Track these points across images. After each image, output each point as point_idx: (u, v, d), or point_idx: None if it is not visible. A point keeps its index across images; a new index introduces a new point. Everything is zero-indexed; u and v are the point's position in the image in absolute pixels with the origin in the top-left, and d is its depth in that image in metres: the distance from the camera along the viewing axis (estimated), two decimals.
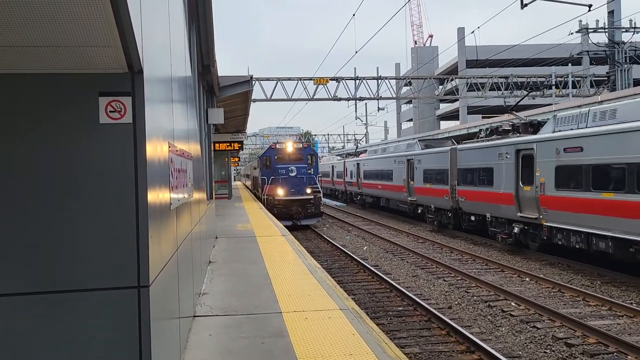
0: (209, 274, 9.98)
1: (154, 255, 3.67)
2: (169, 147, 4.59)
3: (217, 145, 28.16)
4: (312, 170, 28.79)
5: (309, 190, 27.81)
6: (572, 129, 15.64)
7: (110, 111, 3.50)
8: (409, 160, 29.37)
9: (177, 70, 5.72)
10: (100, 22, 2.88)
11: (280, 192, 27.54)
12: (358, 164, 41.42)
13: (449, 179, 23.37)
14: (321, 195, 29.03)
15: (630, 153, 12.89)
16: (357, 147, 59.73)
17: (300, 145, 29.80)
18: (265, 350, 5.66)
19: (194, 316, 7.00)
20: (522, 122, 20.08)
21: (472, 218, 21.70)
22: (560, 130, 16.19)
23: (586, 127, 14.99)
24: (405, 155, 30.26)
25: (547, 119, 18.39)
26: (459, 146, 23.40)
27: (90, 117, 3.45)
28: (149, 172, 3.58)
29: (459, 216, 23.18)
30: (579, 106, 24.03)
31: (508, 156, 18.35)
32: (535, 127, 18.90)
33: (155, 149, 3.91)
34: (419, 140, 30.97)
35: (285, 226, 18.44)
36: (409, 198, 29.27)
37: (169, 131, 4.74)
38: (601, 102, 25.98)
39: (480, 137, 22.27)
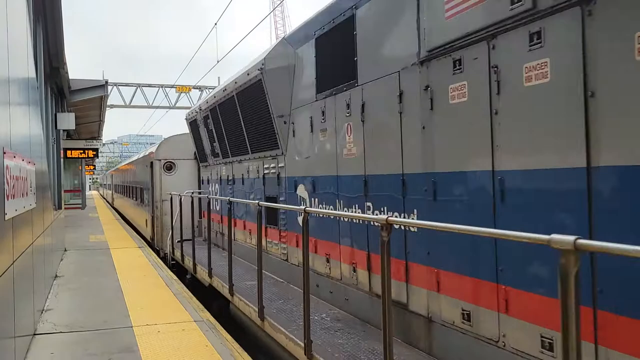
0: (55, 288, 9.35)
1: None
2: (4, 152, 4.28)
3: (69, 152, 26.46)
4: None
5: None
6: None
7: None
8: None
9: (16, 71, 5.34)
10: None
11: None
12: None
13: None
14: None
15: None
16: None
17: None
18: None
19: (34, 334, 6.52)
20: None
21: None
22: None
23: None
24: None
25: None
26: None
27: None
28: None
29: None
30: None
31: None
32: None
33: None
34: None
35: None
36: None
37: (4, 135, 4.42)
38: None
39: None
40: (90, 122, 27.21)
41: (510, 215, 3.77)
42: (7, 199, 4.39)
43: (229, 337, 6.45)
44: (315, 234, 6.88)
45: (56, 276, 10.46)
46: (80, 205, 34.21)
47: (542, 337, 3.54)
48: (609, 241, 1.92)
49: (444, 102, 4.41)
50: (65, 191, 22.12)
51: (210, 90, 37.63)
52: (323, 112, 6.71)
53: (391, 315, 3.51)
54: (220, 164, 11.84)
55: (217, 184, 12.31)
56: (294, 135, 7.81)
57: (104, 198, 57.79)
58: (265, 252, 8.35)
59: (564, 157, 3.33)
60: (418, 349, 4.95)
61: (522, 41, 3.61)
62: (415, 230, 4.94)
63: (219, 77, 45.37)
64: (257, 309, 6.54)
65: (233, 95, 9.62)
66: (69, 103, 18.54)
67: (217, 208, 12.10)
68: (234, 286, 7.90)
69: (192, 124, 13.46)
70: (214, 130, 11.39)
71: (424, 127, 4.71)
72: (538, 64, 3.50)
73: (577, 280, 1.99)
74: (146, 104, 36.21)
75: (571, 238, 1.98)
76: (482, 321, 4.11)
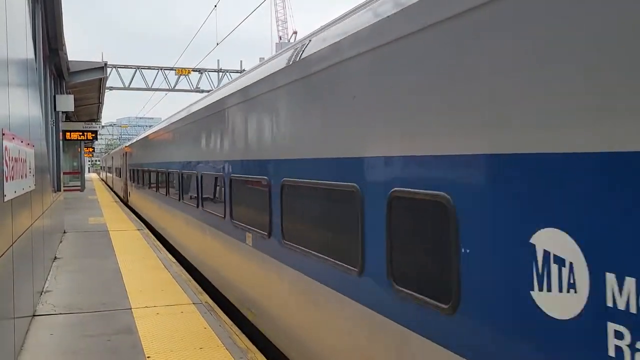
0: (54, 270, 9.39)
1: None
2: (3, 134, 4.28)
3: (68, 134, 26.41)
4: None
5: None
6: None
7: None
8: None
9: (15, 52, 5.32)
10: None
11: None
12: None
13: None
14: None
15: None
16: None
17: None
18: (111, 347, 5.47)
19: (34, 315, 6.57)
20: None
21: None
22: None
23: None
24: None
25: None
26: None
27: None
28: None
29: None
30: None
31: None
32: None
33: None
34: None
35: None
36: None
37: (3, 117, 4.41)
38: None
39: None
40: (89, 104, 27.15)
41: None
42: (6, 181, 4.39)
43: (227, 319, 6.49)
44: None
45: (55, 258, 10.49)
46: (79, 187, 34.25)
47: None
48: None
49: None
50: (64, 173, 22.11)
51: (210, 73, 37.32)
52: None
53: None
54: None
55: None
56: None
57: (107, 185, 46.46)
58: None
59: None
60: None
61: None
62: None
63: (218, 60, 43.96)
64: None
65: None
66: (68, 85, 18.47)
67: None
68: None
69: None
70: None
71: None
72: None
73: None
74: (145, 87, 36.04)
75: None
76: None
